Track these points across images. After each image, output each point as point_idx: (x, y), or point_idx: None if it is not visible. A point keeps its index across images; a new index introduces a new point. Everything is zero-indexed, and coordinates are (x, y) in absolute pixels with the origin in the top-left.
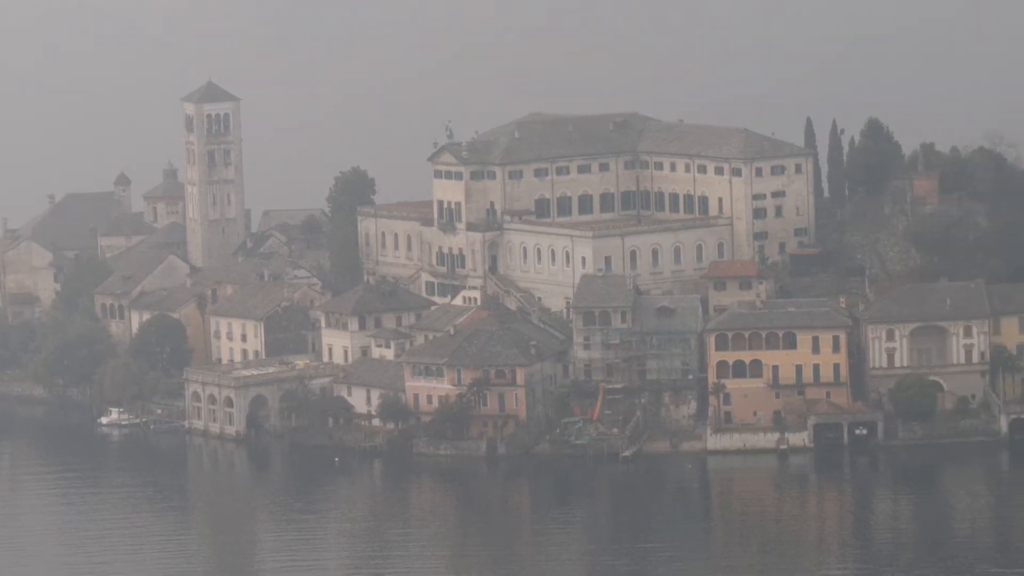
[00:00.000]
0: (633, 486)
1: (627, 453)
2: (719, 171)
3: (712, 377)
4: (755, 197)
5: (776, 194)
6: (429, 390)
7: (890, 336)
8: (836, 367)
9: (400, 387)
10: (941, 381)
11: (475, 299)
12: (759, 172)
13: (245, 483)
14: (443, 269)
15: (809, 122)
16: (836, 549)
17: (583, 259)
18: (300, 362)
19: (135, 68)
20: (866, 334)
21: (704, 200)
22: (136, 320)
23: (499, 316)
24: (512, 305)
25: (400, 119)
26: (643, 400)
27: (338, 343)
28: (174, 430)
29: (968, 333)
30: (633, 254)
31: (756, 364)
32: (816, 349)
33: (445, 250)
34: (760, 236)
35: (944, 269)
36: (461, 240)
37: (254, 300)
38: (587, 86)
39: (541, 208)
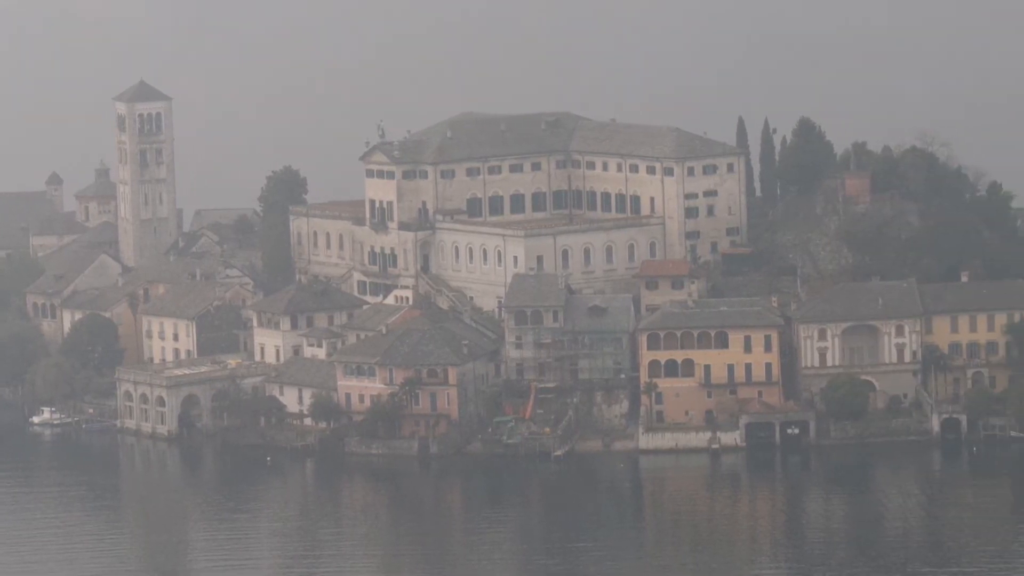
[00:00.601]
0: (565, 485)
1: (559, 452)
2: (651, 170)
3: (644, 376)
4: (687, 196)
5: (708, 193)
6: (361, 389)
7: (822, 335)
8: (768, 366)
9: (332, 386)
10: (873, 380)
11: (407, 298)
12: (691, 171)
13: (177, 482)
14: (375, 268)
15: (741, 121)
16: (768, 548)
17: (515, 258)
18: (232, 361)
19: (66, 67)
20: (798, 333)
21: (636, 199)
22: (68, 319)
23: (431, 315)
24: (444, 304)
25: (332, 119)
26: (575, 399)
27: (270, 342)
28: (106, 429)
29: (900, 332)
30: (565, 253)
31: (688, 363)
32: (748, 348)
33: (377, 249)
34: (692, 235)
35: (876, 268)
36: (393, 239)
37: (186, 299)
38: (519, 86)
39: (473, 207)
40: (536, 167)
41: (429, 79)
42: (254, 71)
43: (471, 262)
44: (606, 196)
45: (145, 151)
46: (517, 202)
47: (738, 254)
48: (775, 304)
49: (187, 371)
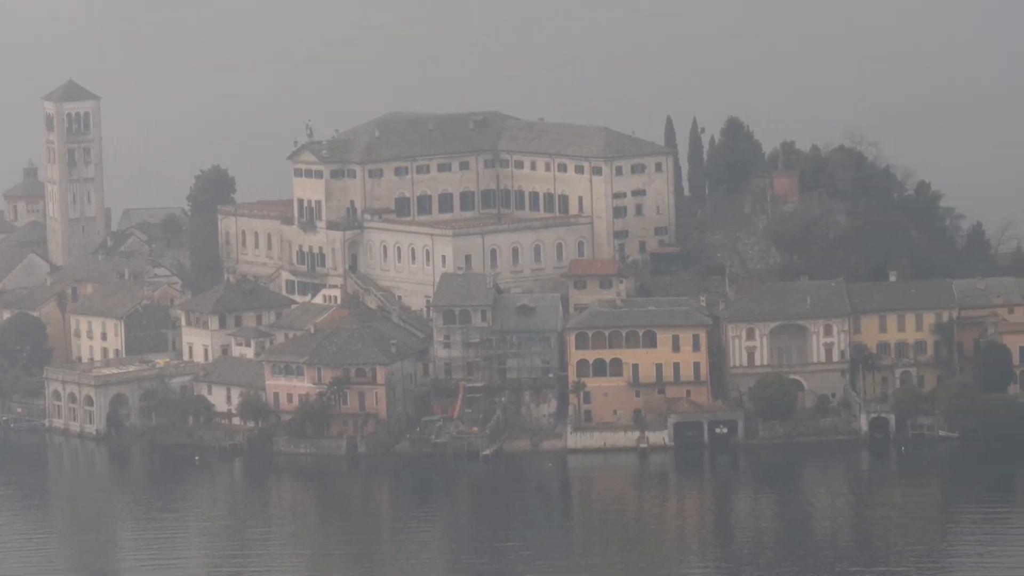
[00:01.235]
0: (493, 485)
1: (487, 452)
2: (579, 170)
3: (572, 376)
4: (615, 196)
5: (636, 193)
6: (289, 389)
7: (750, 335)
8: (696, 366)
9: (260, 386)
10: (801, 380)
11: (335, 298)
12: (619, 171)
13: (105, 482)
14: (303, 268)
15: (669, 121)
16: (697, 548)
17: (443, 258)
18: (160, 361)
19: None
20: (726, 333)
21: (564, 199)
22: None
23: (359, 315)
24: (372, 304)
25: (260, 118)
26: (503, 399)
27: (198, 342)
28: (34, 429)
29: (828, 332)
30: (493, 253)
31: (616, 363)
32: (676, 348)
33: (305, 249)
34: (620, 235)
35: (804, 268)
36: (321, 239)
37: (114, 299)
38: (447, 85)
39: (401, 207)
40: (464, 166)
41: (357, 79)
42: (183, 71)
43: (399, 261)
44: (534, 195)
45: (73, 150)
46: (445, 201)
47: (666, 253)
48: (703, 303)
49: (115, 370)
